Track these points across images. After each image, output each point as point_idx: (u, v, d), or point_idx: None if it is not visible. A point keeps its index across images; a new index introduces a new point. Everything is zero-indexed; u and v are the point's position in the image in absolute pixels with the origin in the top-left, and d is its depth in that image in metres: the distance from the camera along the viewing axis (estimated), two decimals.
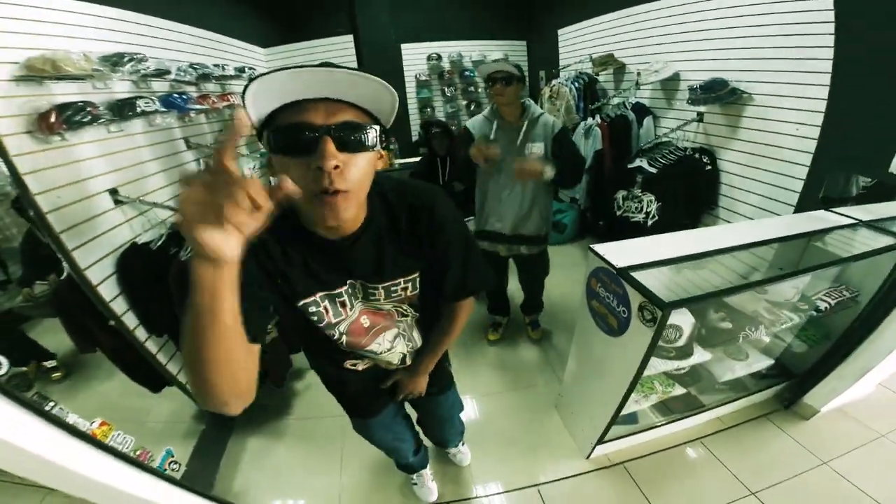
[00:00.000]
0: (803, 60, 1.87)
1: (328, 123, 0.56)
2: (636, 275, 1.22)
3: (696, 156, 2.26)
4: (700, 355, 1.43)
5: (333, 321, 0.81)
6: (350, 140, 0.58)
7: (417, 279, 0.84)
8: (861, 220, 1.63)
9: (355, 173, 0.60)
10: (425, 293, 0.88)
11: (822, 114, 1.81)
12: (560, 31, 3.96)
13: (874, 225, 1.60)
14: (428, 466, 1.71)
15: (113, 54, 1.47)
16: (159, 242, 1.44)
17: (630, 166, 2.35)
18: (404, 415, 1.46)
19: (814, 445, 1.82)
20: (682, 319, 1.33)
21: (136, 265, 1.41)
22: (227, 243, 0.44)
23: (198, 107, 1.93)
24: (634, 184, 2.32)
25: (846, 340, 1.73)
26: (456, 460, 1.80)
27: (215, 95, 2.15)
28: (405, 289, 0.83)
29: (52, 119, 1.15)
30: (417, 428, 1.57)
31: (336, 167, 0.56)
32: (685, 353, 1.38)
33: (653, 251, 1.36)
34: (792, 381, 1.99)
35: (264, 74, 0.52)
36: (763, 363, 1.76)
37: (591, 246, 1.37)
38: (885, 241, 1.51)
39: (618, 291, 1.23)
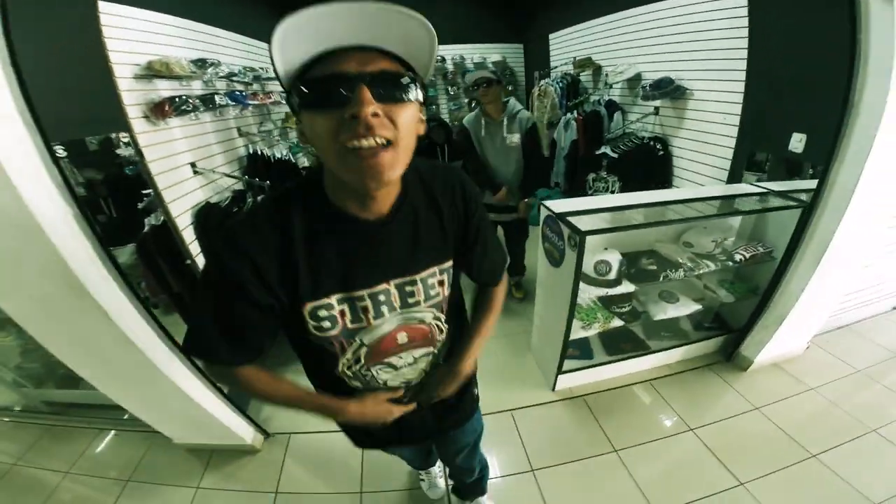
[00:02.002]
0: (727, 61, 2.31)
1: (364, 71, 0.50)
2: (571, 219, 1.66)
3: (651, 143, 2.70)
4: (626, 286, 1.87)
5: (350, 327, 0.70)
6: (388, 90, 0.52)
7: (452, 270, 0.77)
8: (770, 189, 2.06)
9: (399, 123, 0.53)
10: (455, 289, 0.81)
11: (740, 105, 2.24)
12: (551, 36, 4.39)
13: (778, 192, 2.01)
14: (438, 463, 1.63)
15: (198, 59, 1.98)
16: (226, 203, 1.94)
17: (597, 153, 2.80)
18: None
19: (749, 393, 2.14)
20: (612, 257, 1.79)
21: (208, 218, 1.90)
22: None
23: (252, 102, 2.43)
24: (601, 167, 2.76)
25: (766, 293, 2.10)
26: None
27: (262, 93, 2.65)
28: (441, 283, 0.75)
29: (166, 108, 1.63)
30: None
31: (375, 115, 0.50)
32: (614, 283, 1.83)
33: (587, 205, 1.81)
34: (730, 335, 2.35)
35: (284, 20, 0.46)
36: (692, 307, 2.13)
37: (542, 201, 1.82)
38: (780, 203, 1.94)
39: (557, 230, 1.69)
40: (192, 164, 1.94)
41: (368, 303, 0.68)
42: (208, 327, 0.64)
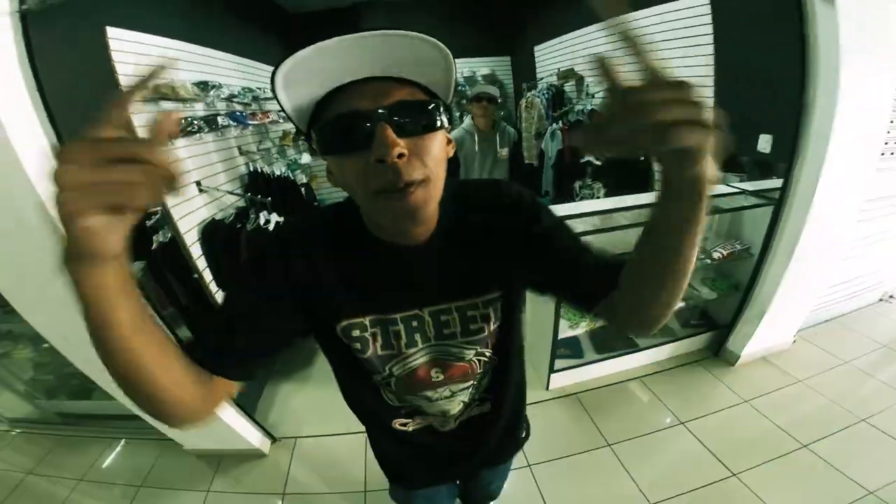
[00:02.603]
0: (696, 67, 2.45)
1: (379, 106, 0.46)
2: None
3: None
4: None
5: (381, 353, 0.66)
6: (411, 121, 0.48)
7: (499, 304, 0.68)
8: (744, 189, 2.17)
9: (427, 159, 0.48)
10: (506, 329, 0.71)
11: (710, 109, 2.35)
12: (536, 48, 4.55)
13: (752, 192, 2.14)
14: None
15: (200, 82, 2.12)
16: (230, 219, 2.06)
17: (582, 161, 2.92)
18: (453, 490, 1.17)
19: (738, 387, 2.21)
20: None
21: (214, 234, 2.02)
22: (112, 234, 0.32)
23: (252, 122, 2.57)
24: (587, 175, 2.89)
25: (747, 289, 2.20)
26: None
27: (260, 112, 2.79)
28: (485, 317, 0.67)
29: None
30: None
31: (401, 156, 0.45)
32: None
33: (572, 210, 1.93)
34: (717, 331, 2.45)
35: (284, 62, 0.43)
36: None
37: None
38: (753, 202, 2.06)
39: None
40: (198, 183, 2.07)
41: (401, 328, 0.65)
42: (215, 321, 0.59)
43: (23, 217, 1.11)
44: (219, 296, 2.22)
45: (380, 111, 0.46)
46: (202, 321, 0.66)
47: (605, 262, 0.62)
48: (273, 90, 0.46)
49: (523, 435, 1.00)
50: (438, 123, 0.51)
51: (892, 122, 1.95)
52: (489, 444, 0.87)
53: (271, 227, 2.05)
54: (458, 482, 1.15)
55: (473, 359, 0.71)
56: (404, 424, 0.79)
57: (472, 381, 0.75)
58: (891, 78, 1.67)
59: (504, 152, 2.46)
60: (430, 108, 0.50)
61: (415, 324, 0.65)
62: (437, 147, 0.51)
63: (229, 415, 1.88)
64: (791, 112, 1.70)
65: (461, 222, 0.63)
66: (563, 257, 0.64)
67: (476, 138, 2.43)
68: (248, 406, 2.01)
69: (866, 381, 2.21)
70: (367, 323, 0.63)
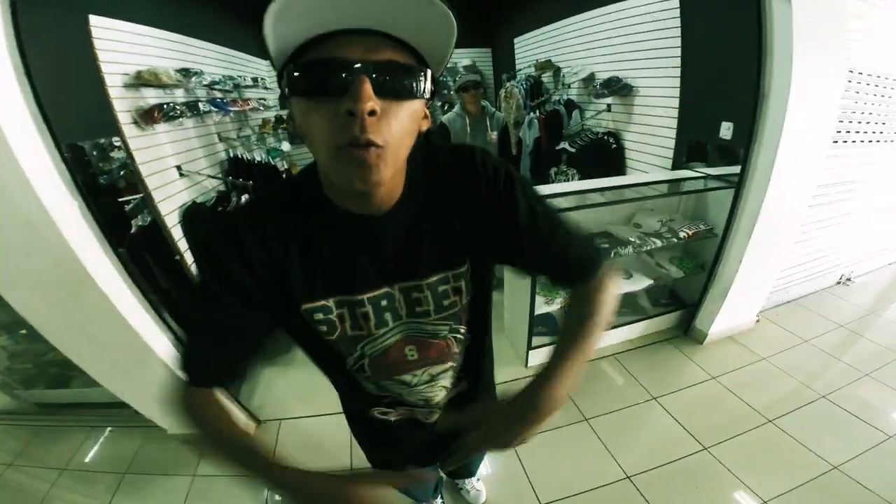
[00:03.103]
0: (665, 59, 2.55)
1: (367, 60, 0.44)
2: None
3: (605, 138, 2.93)
4: None
5: (350, 334, 0.64)
6: (392, 83, 0.46)
7: (468, 276, 0.66)
8: (708, 174, 2.30)
9: (395, 125, 0.47)
10: (477, 301, 0.69)
11: (678, 98, 2.48)
12: (516, 40, 4.61)
13: (715, 176, 2.26)
14: (440, 499, 1.58)
15: (182, 69, 2.13)
16: (211, 203, 2.07)
17: (557, 148, 3.02)
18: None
19: (706, 364, 2.31)
20: None
21: (195, 217, 2.03)
22: None
23: (233, 109, 2.58)
24: (562, 162, 2.99)
25: (712, 268, 2.32)
26: (469, 497, 1.65)
27: (241, 100, 2.80)
28: (457, 290, 0.65)
29: (155, 114, 1.77)
30: None
31: (372, 112, 0.44)
32: None
33: (544, 191, 2.01)
34: (685, 310, 2.56)
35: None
36: (645, 283, 2.36)
37: None
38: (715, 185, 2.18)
39: None
40: (178, 167, 2.08)
41: (369, 308, 0.62)
42: (192, 340, 0.61)
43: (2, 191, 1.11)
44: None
45: (364, 64, 0.44)
46: (187, 342, 0.60)
47: (567, 252, 0.65)
48: (261, 27, 0.43)
49: None
50: (419, 92, 0.48)
51: (843, 110, 2.09)
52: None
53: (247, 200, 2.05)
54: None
55: (449, 336, 0.70)
56: (385, 413, 0.78)
57: (450, 363, 0.74)
58: (840, 71, 1.80)
59: (494, 135, 2.59)
60: (416, 74, 0.47)
61: (384, 303, 0.63)
62: (410, 115, 0.48)
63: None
64: (749, 101, 1.81)
65: (430, 192, 0.60)
66: (540, 252, 0.65)
67: (467, 122, 2.54)
68: (231, 389, 2.03)
69: (826, 359, 2.33)
70: (332, 305, 0.61)
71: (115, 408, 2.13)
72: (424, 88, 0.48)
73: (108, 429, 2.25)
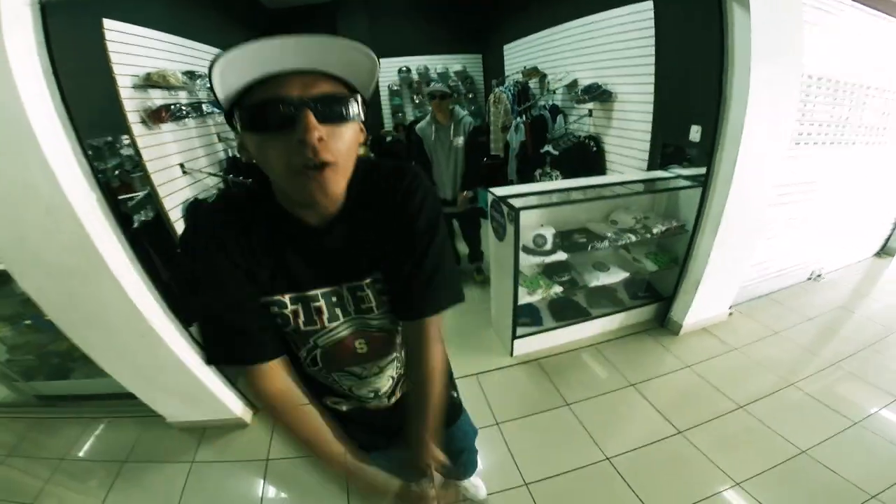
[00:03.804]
0: (641, 66, 2.72)
1: (306, 95, 0.52)
2: (511, 201, 2.01)
3: (586, 141, 3.10)
4: (559, 255, 2.23)
5: (303, 329, 0.72)
6: (331, 112, 0.54)
7: None
8: (679, 174, 2.46)
9: (341, 145, 0.56)
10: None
11: (651, 104, 2.65)
12: (505, 47, 4.79)
13: (686, 176, 2.43)
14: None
15: (187, 71, 2.24)
16: (211, 199, 2.17)
17: (542, 151, 3.18)
18: None
19: (681, 353, 2.42)
20: (547, 232, 2.13)
21: (196, 211, 2.12)
22: None
23: None
24: (545, 164, 3.14)
25: (684, 262, 2.46)
26: (469, 494, 1.65)
27: None
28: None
29: (163, 114, 1.88)
30: None
31: (320, 139, 0.53)
32: (550, 252, 2.18)
33: (525, 189, 2.16)
34: (661, 303, 2.69)
35: (229, 51, 0.47)
36: (621, 275, 2.50)
37: (490, 189, 2.16)
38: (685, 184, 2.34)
39: (499, 210, 2.03)
40: (181, 165, 2.19)
41: (322, 303, 0.71)
42: (212, 327, 0.68)
43: (28, 181, 1.21)
44: None
45: (305, 99, 0.52)
46: (212, 341, 0.70)
47: (422, 284, 0.71)
48: (209, 74, 0.51)
49: (455, 395, 1.09)
50: (353, 115, 0.57)
51: (802, 114, 2.24)
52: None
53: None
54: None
55: (393, 328, 0.79)
56: (336, 403, 0.88)
57: (394, 354, 0.84)
58: (796, 76, 1.94)
59: (458, 140, 2.72)
60: (348, 101, 0.57)
61: (334, 299, 0.72)
62: (350, 135, 0.58)
63: (213, 382, 1.99)
64: (714, 106, 1.96)
65: (364, 203, 0.68)
66: (403, 269, 0.70)
67: (434, 129, 2.68)
68: (230, 375, 2.11)
69: (795, 350, 2.44)
70: (287, 300, 0.69)
71: (115, 399, 2.20)
72: (358, 111, 0.58)
73: (107, 420, 2.29)
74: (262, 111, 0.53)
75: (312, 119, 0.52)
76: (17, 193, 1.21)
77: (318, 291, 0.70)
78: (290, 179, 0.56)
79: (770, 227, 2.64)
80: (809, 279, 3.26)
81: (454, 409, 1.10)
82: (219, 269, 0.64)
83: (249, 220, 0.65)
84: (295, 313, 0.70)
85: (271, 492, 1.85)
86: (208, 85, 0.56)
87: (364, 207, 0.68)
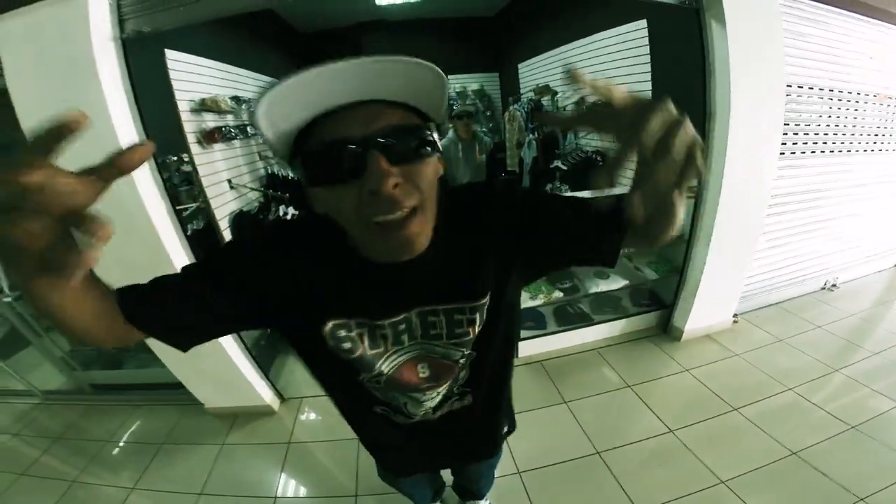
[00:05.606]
0: (639, 84, 2.88)
1: (370, 133, 0.43)
2: None
3: (593, 156, 3.27)
4: None
5: (370, 353, 0.66)
6: (405, 149, 0.45)
7: (486, 308, 0.67)
8: None
9: (420, 184, 0.47)
10: (492, 327, 0.69)
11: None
12: (520, 65, 4.97)
13: None
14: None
15: (234, 96, 2.61)
16: (254, 211, 2.51)
17: (552, 166, 3.37)
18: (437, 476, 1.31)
19: (680, 358, 2.45)
20: None
21: (241, 223, 2.45)
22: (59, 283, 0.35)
23: None
24: (555, 178, 3.33)
25: (682, 269, 2.54)
26: None
27: None
28: (471, 322, 0.66)
29: (216, 135, 2.21)
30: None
31: (396, 185, 0.43)
32: None
33: None
34: (664, 310, 2.73)
35: (271, 89, 0.39)
36: (620, 283, 2.62)
37: None
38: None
39: None
40: (229, 181, 2.53)
41: (389, 332, 0.64)
42: (164, 279, 0.59)
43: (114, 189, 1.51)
44: None
45: (371, 138, 0.44)
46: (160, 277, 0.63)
47: (604, 216, 0.60)
48: (254, 119, 0.42)
49: (505, 430, 1.01)
50: (431, 147, 0.48)
51: (787, 124, 2.27)
52: (469, 437, 0.89)
53: (289, 217, 2.48)
54: (440, 472, 1.22)
55: (460, 360, 0.71)
56: (385, 411, 0.79)
57: (452, 379, 0.76)
58: (778, 87, 2.00)
59: (482, 157, 2.94)
60: (423, 132, 0.48)
61: (402, 327, 0.65)
62: (431, 170, 0.49)
63: (249, 370, 2.22)
64: (699, 120, 2.06)
65: (455, 232, 0.60)
66: (573, 233, 0.63)
67: (459, 147, 2.93)
68: (264, 365, 2.33)
69: (798, 356, 2.42)
70: (353, 324, 0.62)
71: (160, 389, 2.46)
72: (434, 141, 0.49)
73: (151, 406, 2.55)
74: (320, 160, 0.46)
75: (383, 162, 0.44)
76: (104, 198, 1.50)
77: (387, 321, 0.64)
78: (368, 237, 0.49)
79: (774, 234, 2.66)
80: (823, 288, 3.21)
81: (502, 438, 1.03)
82: (231, 268, 0.58)
83: (317, 247, 0.60)
84: (360, 336, 0.64)
85: (290, 470, 2.03)
86: (255, 132, 0.59)
87: (455, 236, 0.61)
